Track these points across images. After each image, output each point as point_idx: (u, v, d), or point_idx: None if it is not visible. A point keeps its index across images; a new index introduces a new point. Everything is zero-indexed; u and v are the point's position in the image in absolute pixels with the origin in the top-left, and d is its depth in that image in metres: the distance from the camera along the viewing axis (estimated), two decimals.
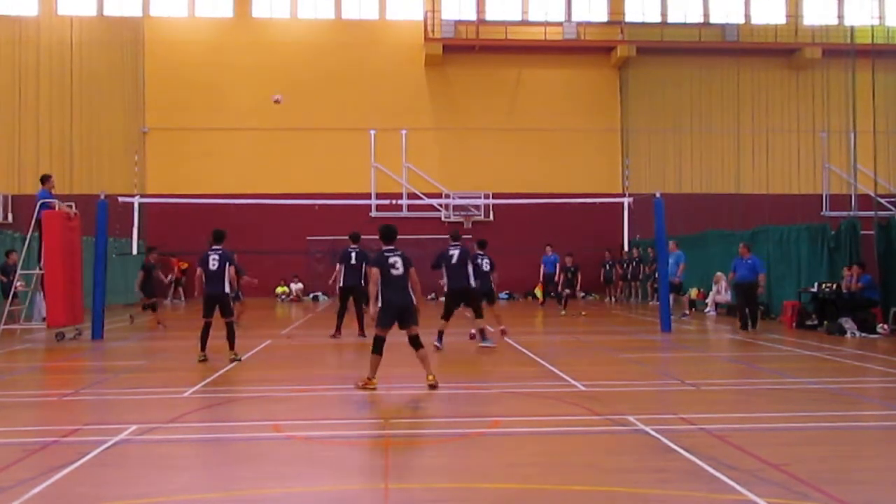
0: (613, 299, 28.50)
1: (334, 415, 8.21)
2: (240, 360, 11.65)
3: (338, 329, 15.23)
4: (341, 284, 15.45)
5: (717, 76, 32.50)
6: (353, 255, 15.48)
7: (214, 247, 11.86)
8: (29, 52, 30.83)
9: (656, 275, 22.67)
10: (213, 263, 11.58)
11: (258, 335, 15.74)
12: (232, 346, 11.71)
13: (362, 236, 16.35)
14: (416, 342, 9.30)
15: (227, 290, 11.71)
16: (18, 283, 16.27)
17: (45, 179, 15.90)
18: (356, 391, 9.18)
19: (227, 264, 11.69)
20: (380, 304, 9.24)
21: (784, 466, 5.74)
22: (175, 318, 21.98)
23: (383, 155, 31.59)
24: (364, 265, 15.05)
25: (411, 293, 9.25)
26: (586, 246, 27.86)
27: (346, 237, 16.24)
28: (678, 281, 20.75)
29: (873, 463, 6.16)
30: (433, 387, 9.15)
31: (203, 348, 11.74)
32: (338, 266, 15.68)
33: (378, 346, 9.22)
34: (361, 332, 14.98)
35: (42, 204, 15.24)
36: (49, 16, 31.19)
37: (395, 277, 9.20)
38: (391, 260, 9.23)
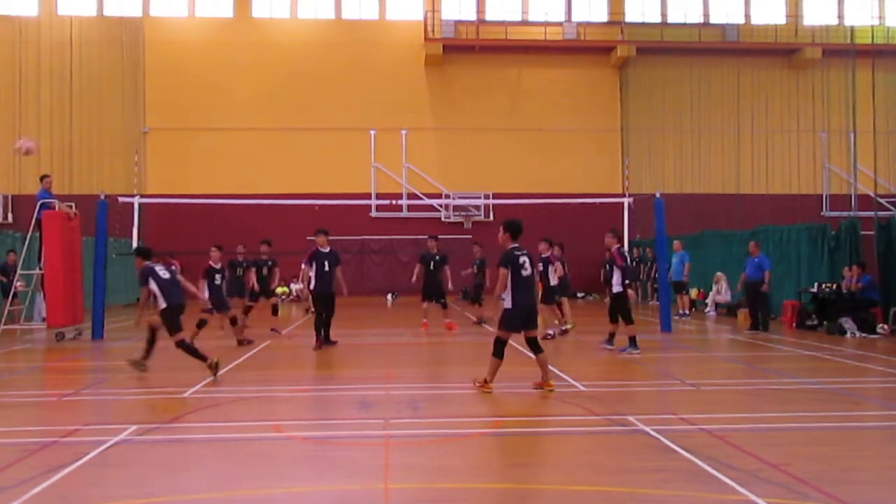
0: None
1: (334, 415, 8.21)
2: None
3: (318, 339, 13.46)
4: (311, 289, 13.46)
5: (717, 76, 32.49)
6: (325, 257, 13.34)
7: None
8: (29, 52, 30.82)
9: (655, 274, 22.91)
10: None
11: (258, 335, 15.74)
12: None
13: (364, 236, 15.92)
14: (536, 346, 8.88)
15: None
16: (18, 283, 16.27)
17: (42, 179, 15.92)
18: (357, 391, 9.18)
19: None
20: (509, 306, 8.69)
21: (784, 466, 5.74)
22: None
23: (383, 155, 31.59)
24: (335, 269, 13.31)
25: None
26: (587, 246, 27.87)
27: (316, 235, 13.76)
28: (686, 280, 21.00)
29: (873, 463, 6.16)
30: (550, 391, 8.83)
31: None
32: (303, 267, 13.63)
33: (500, 350, 8.75)
34: (320, 343, 13.39)
35: (42, 204, 15.25)
36: (49, 16, 31.19)
37: (525, 278, 8.63)
38: (521, 259, 8.63)
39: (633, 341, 12.60)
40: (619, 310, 12.90)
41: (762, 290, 16.49)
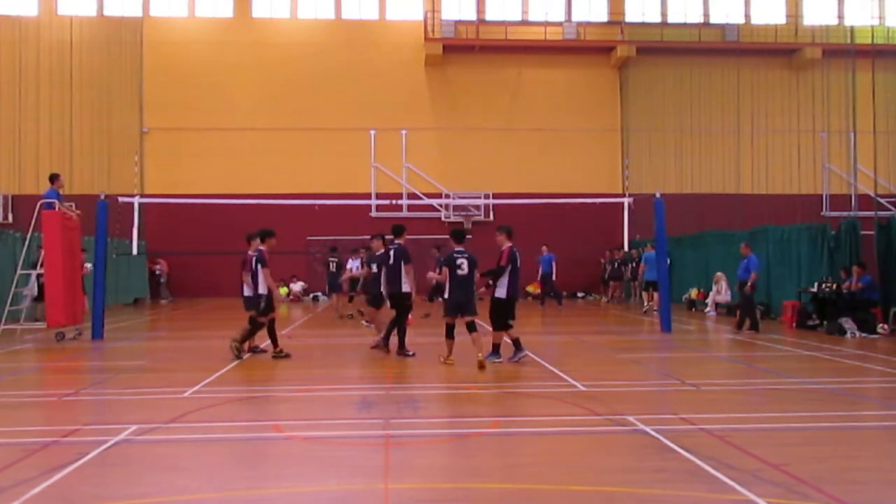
0: (613, 299, 28.48)
1: (334, 415, 8.21)
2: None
3: (401, 343, 12.36)
4: (401, 289, 12.22)
5: (717, 76, 32.48)
6: (392, 253, 12.31)
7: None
8: (29, 52, 30.82)
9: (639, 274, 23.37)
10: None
11: (258, 335, 15.69)
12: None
13: (364, 236, 15.83)
14: (471, 326, 10.85)
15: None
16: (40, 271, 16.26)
17: (53, 178, 15.87)
18: (357, 391, 9.19)
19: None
20: (447, 298, 11.04)
21: (784, 466, 5.74)
22: (166, 317, 21.97)
23: (383, 155, 31.59)
24: (402, 265, 12.13)
25: (473, 289, 10.99)
26: (586, 247, 27.91)
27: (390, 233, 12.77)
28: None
29: (873, 463, 6.16)
30: (481, 367, 10.54)
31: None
32: (369, 268, 12.80)
33: (450, 332, 11.06)
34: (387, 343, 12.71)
35: (43, 203, 15.23)
36: (49, 16, 31.18)
37: (461, 277, 10.86)
38: (458, 261, 10.84)
39: (497, 349, 11.33)
40: (504, 315, 11.30)
41: (745, 291, 16.36)
